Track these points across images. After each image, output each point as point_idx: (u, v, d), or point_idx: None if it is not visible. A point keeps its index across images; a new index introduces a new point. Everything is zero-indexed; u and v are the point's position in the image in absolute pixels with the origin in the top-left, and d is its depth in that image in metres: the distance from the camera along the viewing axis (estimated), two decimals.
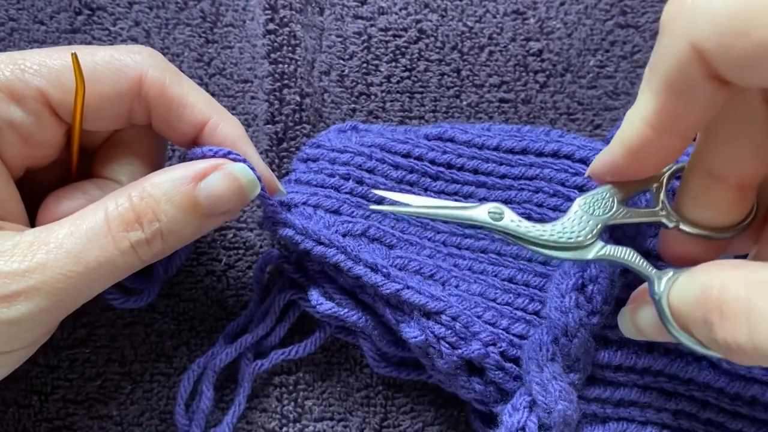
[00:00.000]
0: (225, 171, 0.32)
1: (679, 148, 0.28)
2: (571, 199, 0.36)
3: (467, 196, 0.38)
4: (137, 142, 0.35)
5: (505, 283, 0.36)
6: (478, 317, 0.35)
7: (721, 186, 0.29)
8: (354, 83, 0.43)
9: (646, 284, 0.30)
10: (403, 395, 0.40)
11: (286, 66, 0.42)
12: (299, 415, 0.39)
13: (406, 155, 0.38)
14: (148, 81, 0.33)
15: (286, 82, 0.42)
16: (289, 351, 0.39)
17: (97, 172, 0.35)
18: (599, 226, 0.31)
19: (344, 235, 0.36)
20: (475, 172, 0.38)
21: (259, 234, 0.41)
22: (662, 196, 0.31)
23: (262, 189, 0.34)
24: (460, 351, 0.34)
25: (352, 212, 0.37)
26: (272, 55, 0.42)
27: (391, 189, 0.38)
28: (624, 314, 0.32)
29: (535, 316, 0.35)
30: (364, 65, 0.43)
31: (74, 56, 0.31)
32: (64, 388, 0.39)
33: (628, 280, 0.35)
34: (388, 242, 0.37)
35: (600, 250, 0.30)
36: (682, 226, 0.30)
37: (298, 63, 0.42)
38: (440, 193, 0.38)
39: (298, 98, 0.42)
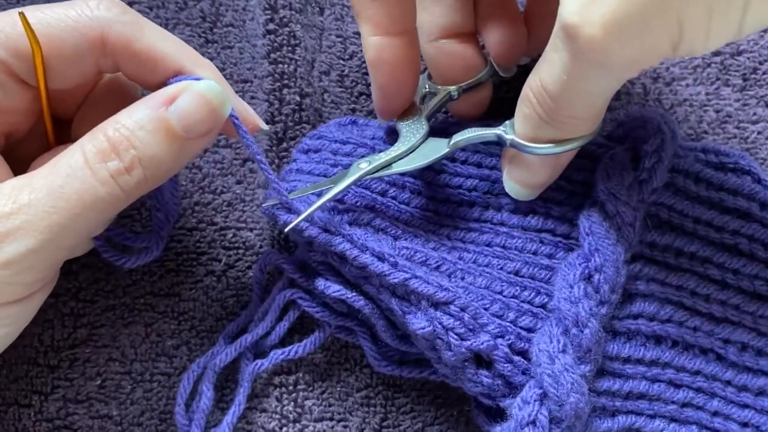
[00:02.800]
0: (191, 91, 0.32)
1: (404, 44, 0.35)
2: (579, 189, 0.37)
3: (471, 190, 0.37)
4: (111, 100, 0.36)
5: (511, 276, 0.36)
6: (486, 309, 0.35)
7: (448, 43, 0.37)
8: (354, 83, 0.43)
9: (505, 152, 0.35)
10: (403, 395, 0.40)
11: (285, 66, 0.42)
12: (299, 415, 0.39)
13: None
14: (112, 38, 0.32)
15: (285, 82, 0.42)
16: (288, 351, 0.39)
17: (78, 135, 0.35)
18: (425, 129, 0.36)
19: (350, 224, 0.36)
20: (479, 166, 0.38)
21: (258, 234, 0.41)
22: (427, 84, 0.39)
23: (263, 162, 0.34)
24: (468, 343, 0.34)
25: (357, 202, 0.37)
26: (272, 55, 0.42)
27: (394, 181, 0.37)
28: (506, 181, 0.35)
29: (542, 309, 0.35)
30: (364, 65, 0.43)
31: (22, 16, 0.31)
32: (65, 387, 0.39)
33: (633, 272, 0.35)
34: (393, 233, 0.36)
35: (451, 141, 0.35)
36: (463, 86, 0.38)
37: (298, 63, 0.42)
38: (445, 186, 0.37)
39: (297, 98, 0.42)
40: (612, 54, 0.27)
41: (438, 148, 0.35)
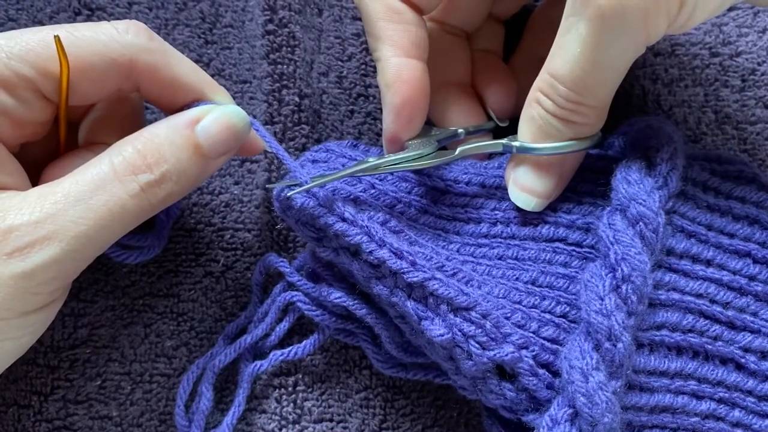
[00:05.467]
0: (217, 113, 0.33)
1: (422, 69, 0.36)
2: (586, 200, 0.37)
3: (478, 208, 0.37)
4: (118, 106, 0.36)
5: (528, 285, 0.35)
6: (507, 319, 0.33)
7: (446, 90, 0.39)
8: (352, 84, 0.43)
9: (510, 163, 0.36)
10: (403, 397, 0.40)
11: (285, 67, 0.42)
12: (298, 417, 0.39)
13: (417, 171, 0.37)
14: (140, 66, 0.33)
15: (285, 82, 0.42)
16: (288, 352, 0.39)
17: (85, 140, 0.36)
18: (434, 144, 0.36)
19: (368, 219, 0.34)
20: (483, 186, 0.37)
21: (257, 235, 0.41)
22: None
23: (281, 152, 0.35)
24: (491, 353, 0.32)
25: (371, 203, 0.35)
26: (271, 56, 0.42)
27: (400, 199, 0.36)
28: (512, 191, 0.36)
29: (563, 319, 0.34)
30: (363, 66, 0.43)
31: (57, 40, 0.31)
32: (65, 388, 0.39)
33: (655, 281, 0.34)
34: (408, 239, 0.35)
35: (458, 149, 0.36)
36: (469, 128, 0.39)
37: (297, 64, 0.42)
38: (451, 206, 0.37)
39: (297, 99, 0.42)
40: (627, 5, 0.29)
41: (446, 155, 0.36)
